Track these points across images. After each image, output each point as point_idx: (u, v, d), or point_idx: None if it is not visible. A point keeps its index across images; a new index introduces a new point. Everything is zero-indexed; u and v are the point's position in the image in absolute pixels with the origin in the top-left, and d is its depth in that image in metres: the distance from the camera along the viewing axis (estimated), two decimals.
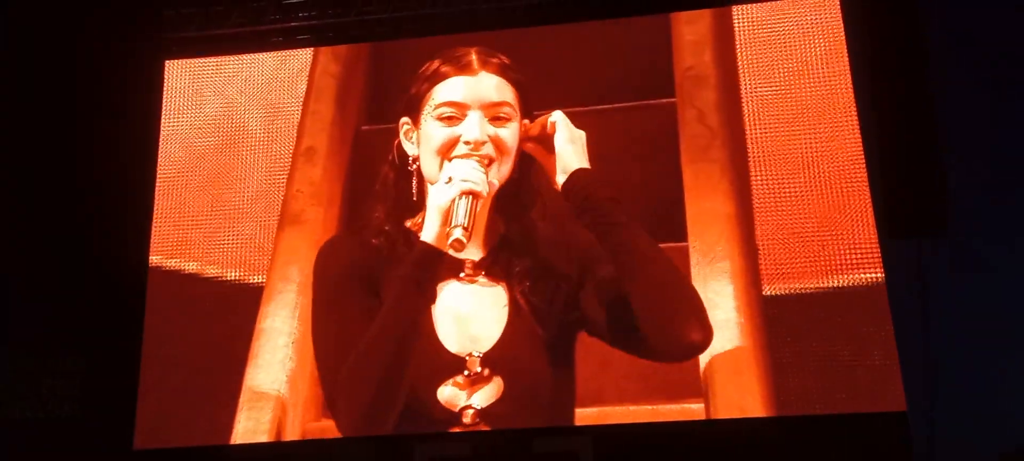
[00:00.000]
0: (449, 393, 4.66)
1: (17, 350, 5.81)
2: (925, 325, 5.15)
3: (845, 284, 5.03)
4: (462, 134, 3.75)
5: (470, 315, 4.68)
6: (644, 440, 4.96)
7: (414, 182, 3.88)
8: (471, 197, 3.57)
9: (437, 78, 4.04)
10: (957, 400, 5.30)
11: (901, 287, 5.13)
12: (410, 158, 3.90)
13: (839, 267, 5.08)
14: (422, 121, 3.91)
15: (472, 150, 3.72)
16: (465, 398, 4.67)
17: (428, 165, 3.78)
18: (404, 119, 3.93)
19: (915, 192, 5.08)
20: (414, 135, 3.92)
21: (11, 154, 6.26)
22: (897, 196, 5.09)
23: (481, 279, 4.42)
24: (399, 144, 3.92)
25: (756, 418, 4.85)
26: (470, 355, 4.61)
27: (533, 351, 4.60)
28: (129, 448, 5.33)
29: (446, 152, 3.71)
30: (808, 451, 4.81)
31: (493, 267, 4.21)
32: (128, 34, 6.29)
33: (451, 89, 3.92)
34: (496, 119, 3.92)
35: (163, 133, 6.15)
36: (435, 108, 3.94)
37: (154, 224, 5.88)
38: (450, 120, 3.89)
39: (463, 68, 4.05)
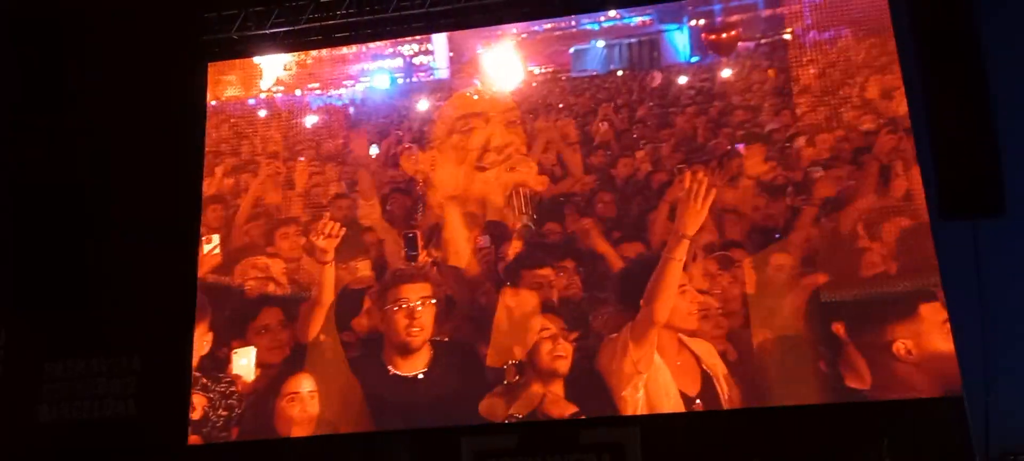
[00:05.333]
0: (488, 405, 5.03)
1: (75, 354, 5.98)
2: (981, 310, 5.05)
3: (901, 273, 5.05)
4: None
5: (500, 325, 5.02)
6: (693, 430, 5.05)
7: None
8: None
9: None
10: (1013, 384, 5.18)
11: (957, 273, 5.03)
12: None
13: (895, 256, 5.14)
14: None
15: None
16: (504, 407, 5.00)
17: None
18: None
19: (970, 173, 4.94)
20: None
21: (50, 163, 6.36)
22: (952, 177, 4.97)
23: (508, 288, 5.05)
24: None
25: (809, 406, 4.92)
26: (507, 365, 4.95)
27: (570, 352, 4.88)
28: (184, 444, 5.61)
29: None
30: (865, 436, 4.81)
31: (518, 276, 5.01)
32: (171, 39, 6.36)
33: None
34: None
35: (209, 146, 6.37)
36: None
37: (202, 233, 6.10)
38: None
39: None
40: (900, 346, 4.88)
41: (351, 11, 6.37)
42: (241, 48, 6.57)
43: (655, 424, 5.03)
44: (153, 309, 5.84)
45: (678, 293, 5.15)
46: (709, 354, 5.20)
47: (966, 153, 4.95)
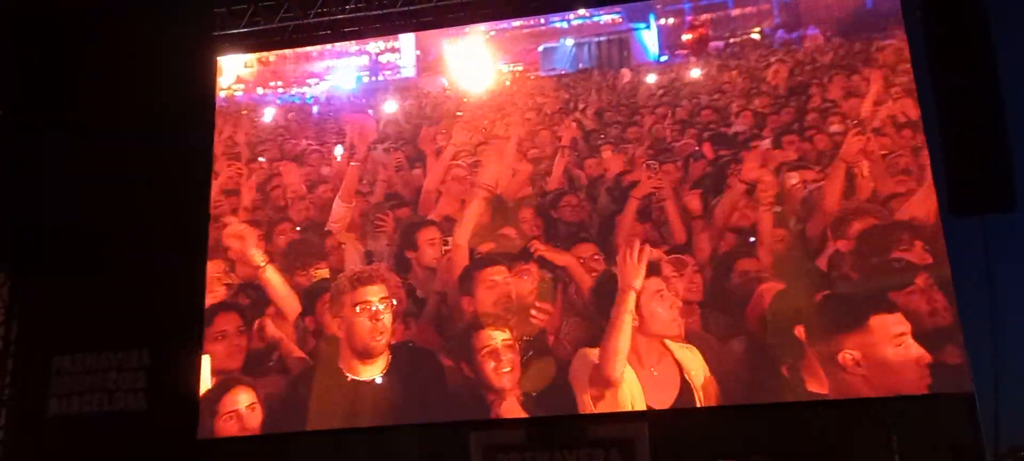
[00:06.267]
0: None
1: (85, 348, 5.99)
2: (991, 306, 4.97)
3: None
4: None
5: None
6: (702, 424, 4.98)
7: None
8: None
9: None
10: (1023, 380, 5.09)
11: (967, 269, 4.95)
12: None
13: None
14: None
15: None
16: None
17: None
18: None
19: (981, 170, 4.88)
20: None
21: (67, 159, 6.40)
22: (962, 173, 4.91)
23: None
24: None
25: (819, 401, 4.83)
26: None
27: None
28: (193, 438, 5.54)
29: None
30: (875, 432, 4.80)
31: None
32: (181, 32, 6.33)
33: None
34: None
35: (218, 139, 6.29)
36: None
37: (212, 231, 6.01)
38: None
39: None
40: (847, 356, 4.80)
41: (360, 4, 6.30)
42: (251, 42, 6.49)
43: (664, 419, 5.00)
44: (163, 304, 5.85)
45: (658, 299, 5.03)
46: (692, 360, 5.09)
47: (977, 150, 4.90)
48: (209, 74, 6.40)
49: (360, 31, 6.38)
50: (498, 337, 5.19)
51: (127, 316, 5.89)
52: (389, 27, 6.37)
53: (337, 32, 6.41)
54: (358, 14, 6.32)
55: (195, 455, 5.54)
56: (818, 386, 4.89)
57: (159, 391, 5.80)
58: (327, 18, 6.34)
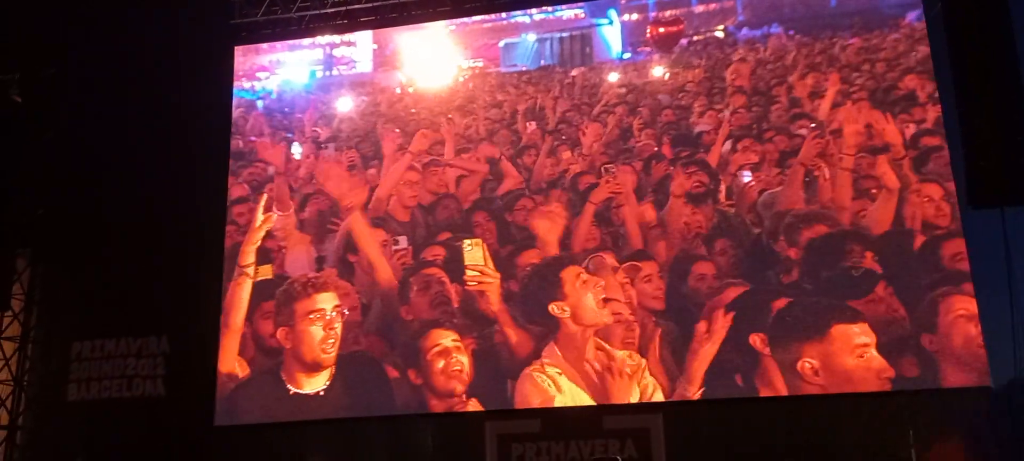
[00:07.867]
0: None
1: (104, 334, 5.99)
2: (1011, 299, 4.80)
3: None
4: None
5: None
6: (715, 416, 4.93)
7: None
8: None
9: None
10: None
11: (986, 262, 4.82)
12: None
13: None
14: None
15: None
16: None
17: None
18: None
19: (1000, 162, 4.78)
20: None
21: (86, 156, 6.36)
22: (981, 166, 4.80)
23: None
24: None
25: (835, 394, 4.70)
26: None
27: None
28: (210, 424, 5.46)
29: None
30: (890, 426, 4.72)
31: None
32: (197, 21, 6.22)
33: None
34: None
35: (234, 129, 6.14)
36: None
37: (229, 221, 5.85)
38: None
39: None
40: (806, 365, 4.70)
41: None
42: (268, 32, 6.38)
43: (678, 410, 4.96)
44: (181, 291, 5.82)
45: (584, 288, 5.01)
46: (624, 361, 5.03)
47: (996, 142, 4.81)
48: (226, 63, 6.31)
49: (377, 21, 6.23)
50: (447, 338, 5.10)
51: (146, 303, 5.90)
52: (406, 17, 6.19)
53: (354, 22, 6.24)
54: (375, 4, 6.13)
55: (212, 441, 5.51)
56: (772, 394, 4.78)
57: (177, 378, 5.81)
58: (344, 8, 6.16)
